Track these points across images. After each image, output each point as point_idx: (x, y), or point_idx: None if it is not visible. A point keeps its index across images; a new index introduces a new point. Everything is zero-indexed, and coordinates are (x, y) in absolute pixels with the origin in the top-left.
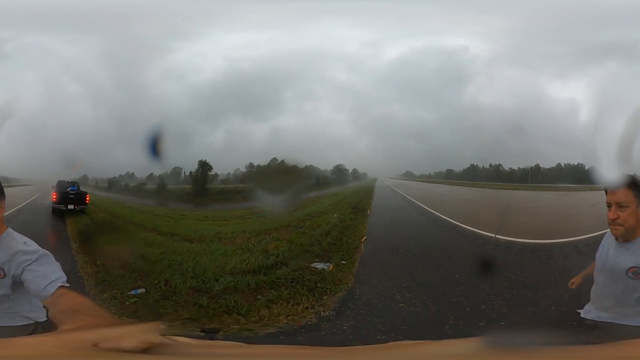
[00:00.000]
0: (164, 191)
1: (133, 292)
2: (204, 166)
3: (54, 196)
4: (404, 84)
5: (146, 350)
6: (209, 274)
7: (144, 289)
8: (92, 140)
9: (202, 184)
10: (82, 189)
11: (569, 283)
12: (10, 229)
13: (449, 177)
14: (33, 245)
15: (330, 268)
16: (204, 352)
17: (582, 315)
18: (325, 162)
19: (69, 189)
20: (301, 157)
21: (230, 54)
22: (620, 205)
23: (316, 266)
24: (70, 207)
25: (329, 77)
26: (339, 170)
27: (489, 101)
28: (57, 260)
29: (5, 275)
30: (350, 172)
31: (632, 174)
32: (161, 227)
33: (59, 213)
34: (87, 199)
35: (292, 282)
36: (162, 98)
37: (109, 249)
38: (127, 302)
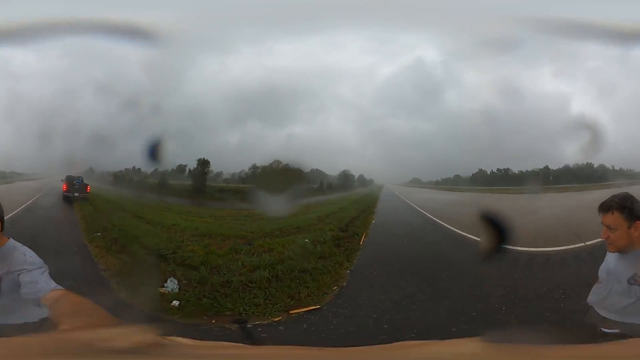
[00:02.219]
0: (164, 186)
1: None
2: (203, 164)
3: (64, 187)
4: (395, 101)
5: (143, 350)
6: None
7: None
8: (105, 132)
9: (201, 181)
10: (86, 181)
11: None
12: (12, 240)
13: (456, 183)
14: (32, 255)
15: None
16: (202, 352)
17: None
18: (332, 168)
19: (75, 181)
20: (308, 162)
21: (269, 65)
22: (610, 228)
23: (169, 280)
24: (76, 194)
25: (338, 93)
26: (345, 176)
27: (474, 106)
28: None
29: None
30: (356, 178)
31: (621, 196)
32: (137, 211)
33: (68, 199)
34: (88, 189)
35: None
36: (195, 95)
37: (93, 213)
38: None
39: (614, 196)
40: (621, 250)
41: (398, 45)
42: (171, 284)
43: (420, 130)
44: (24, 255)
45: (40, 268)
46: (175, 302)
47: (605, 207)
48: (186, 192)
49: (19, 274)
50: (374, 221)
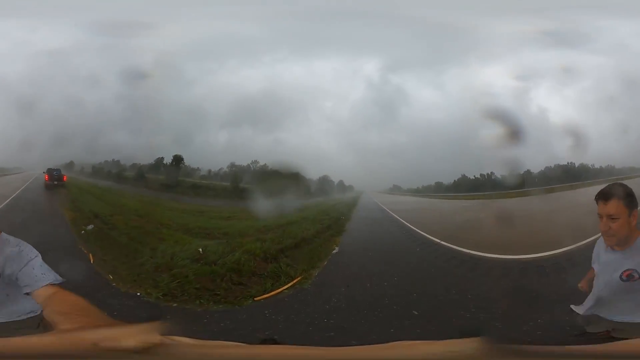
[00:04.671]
0: (140, 178)
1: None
2: (177, 160)
3: (46, 177)
4: (367, 116)
5: (146, 350)
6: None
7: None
8: (89, 123)
9: (173, 176)
10: (65, 173)
11: (579, 286)
12: (3, 233)
13: (438, 190)
14: (27, 248)
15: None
16: (204, 352)
17: (581, 313)
18: (312, 173)
19: (54, 172)
20: (289, 165)
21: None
22: (611, 217)
23: (91, 225)
24: (55, 182)
25: (320, 108)
26: (325, 181)
27: (438, 116)
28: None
29: (0, 277)
30: (335, 183)
31: (620, 184)
32: (100, 195)
33: (49, 186)
34: (65, 178)
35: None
36: (196, 98)
37: (67, 194)
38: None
39: (612, 184)
40: (617, 245)
41: (362, 68)
42: (90, 226)
43: (393, 141)
44: (19, 247)
45: (36, 258)
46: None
47: (607, 195)
48: (159, 185)
49: (14, 270)
50: (336, 250)
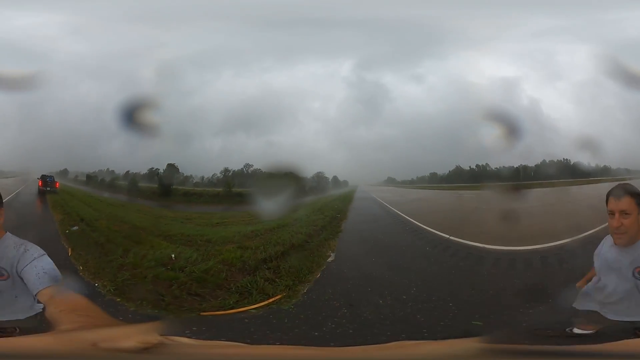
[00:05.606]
0: (132, 188)
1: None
2: (171, 168)
3: (40, 183)
4: (354, 113)
5: (145, 350)
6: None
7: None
8: (88, 131)
9: (165, 184)
10: (59, 180)
11: (577, 285)
12: (8, 233)
13: (433, 181)
14: (32, 247)
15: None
16: (204, 352)
17: (583, 311)
18: (306, 171)
19: (48, 179)
20: (282, 166)
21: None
22: (624, 213)
23: (76, 226)
24: (48, 188)
25: (308, 109)
26: (319, 178)
27: (420, 107)
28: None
29: (8, 277)
30: (330, 179)
31: (628, 183)
32: (88, 202)
33: (42, 192)
34: (57, 184)
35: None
36: (191, 107)
37: (59, 199)
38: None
39: (622, 183)
40: (627, 242)
41: (340, 69)
42: (75, 227)
43: (382, 134)
44: (24, 247)
45: (41, 257)
46: (72, 229)
47: (619, 192)
48: (151, 193)
49: (23, 268)
50: (331, 257)
